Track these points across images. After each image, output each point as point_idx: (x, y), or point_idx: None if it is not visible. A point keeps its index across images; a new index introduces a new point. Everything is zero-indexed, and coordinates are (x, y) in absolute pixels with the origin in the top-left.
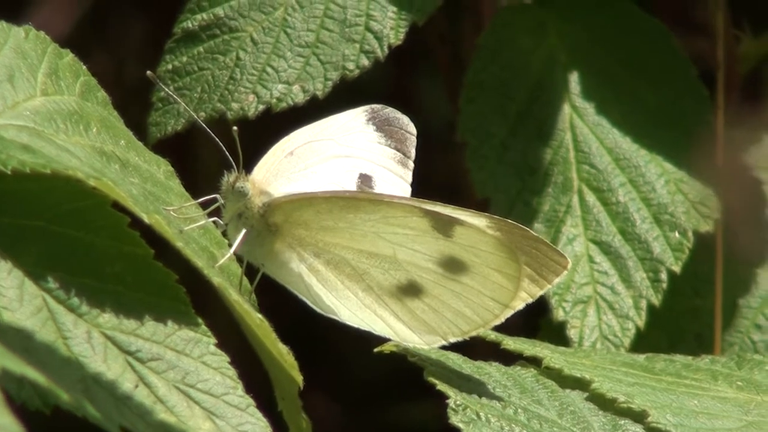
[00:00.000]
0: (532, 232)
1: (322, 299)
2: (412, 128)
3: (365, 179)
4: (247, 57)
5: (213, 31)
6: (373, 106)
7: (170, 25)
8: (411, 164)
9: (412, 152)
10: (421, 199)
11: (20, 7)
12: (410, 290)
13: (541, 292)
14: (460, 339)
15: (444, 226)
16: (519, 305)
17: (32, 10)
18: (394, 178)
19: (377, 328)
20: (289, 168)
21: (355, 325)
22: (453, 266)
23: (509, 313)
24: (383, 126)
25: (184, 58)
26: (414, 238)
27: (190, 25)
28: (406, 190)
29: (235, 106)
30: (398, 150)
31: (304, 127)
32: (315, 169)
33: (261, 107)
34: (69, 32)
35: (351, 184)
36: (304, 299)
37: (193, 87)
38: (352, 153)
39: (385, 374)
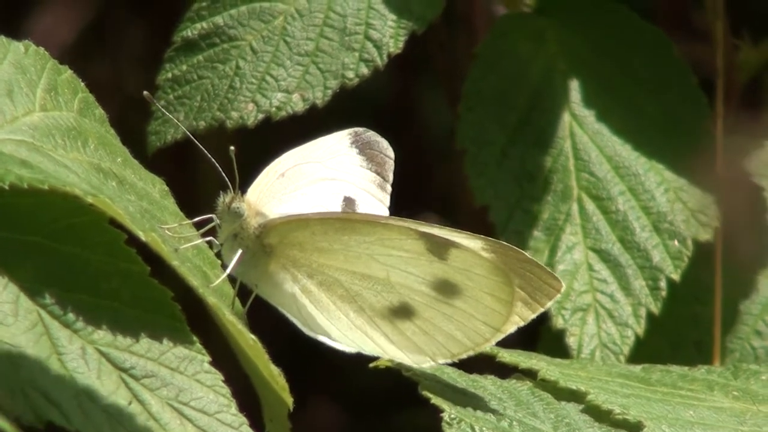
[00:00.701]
0: (526, 254)
1: (313, 319)
2: (391, 152)
3: (349, 202)
4: (246, 66)
5: (212, 40)
6: (356, 129)
7: (172, 34)
8: (389, 188)
9: (390, 176)
10: (417, 221)
11: (22, 17)
12: (402, 312)
13: (533, 316)
14: (449, 361)
15: (439, 249)
16: (510, 329)
17: (35, 19)
18: (374, 201)
19: (367, 348)
20: (280, 189)
21: (344, 346)
22: (446, 289)
23: (500, 336)
24: (365, 149)
25: (184, 67)
26: (408, 260)
27: (189, 34)
28: (384, 214)
29: (234, 114)
30: (378, 174)
31: (293, 149)
32: (304, 191)
33: (260, 116)
34: (71, 42)
35: (336, 207)
36: (295, 320)
37: (192, 96)
38: (337, 176)
39: (388, 383)
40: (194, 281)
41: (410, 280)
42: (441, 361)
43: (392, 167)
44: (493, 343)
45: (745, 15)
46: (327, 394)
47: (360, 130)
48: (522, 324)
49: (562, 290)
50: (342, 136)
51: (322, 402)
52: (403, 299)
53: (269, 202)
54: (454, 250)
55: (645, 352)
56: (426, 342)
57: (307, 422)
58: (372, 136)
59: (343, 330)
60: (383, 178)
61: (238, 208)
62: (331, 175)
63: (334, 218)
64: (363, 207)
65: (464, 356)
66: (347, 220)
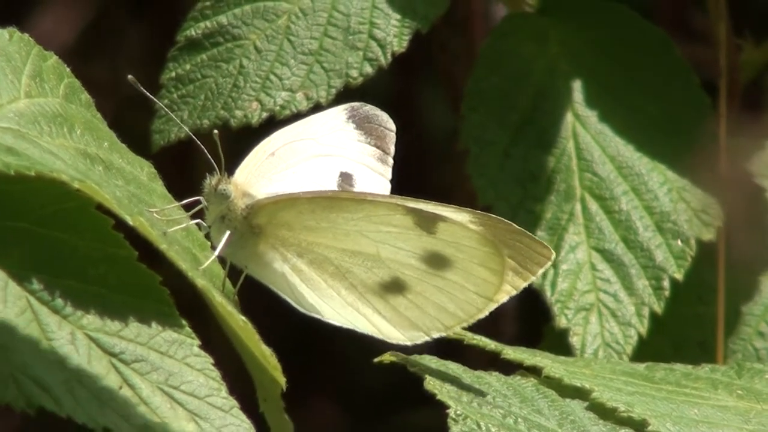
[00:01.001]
0: (514, 225)
1: (305, 298)
2: (391, 124)
3: (346, 177)
4: (250, 65)
5: (216, 39)
6: (353, 104)
7: (174, 34)
8: (390, 161)
9: (392, 149)
10: (403, 197)
11: (23, 17)
12: (393, 287)
13: (525, 284)
14: (443, 334)
15: (427, 223)
16: (503, 298)
17: (35, 19)
18: (374, 175)
19: (360, 325)
20: (270, 169)
21: (338, 324)
22: (437, 262)
23: (493, 306)
24: (363, 123)
25: (188, 66)
26: (397, 235)
27: (193, 33)
28: (386, 187)
29: (238, 113)
30: (378, 147)
31: (284, 128)
32: (296, 170)
33: (264, 115)
34: (71, 42)
35: (332, 183)
36: (287, 299)
37: (196, 95)
38: (333, 152)
39: (390, 382)
40: (183, 264)
41: (400, 254)
42: (435, 335)
43: (393, 140)
44: (486, 313)
45: (748, 15)
46: (327, 393)
47: (357, 104)
48: (514, 293)
49: (552, 257)
50: (337, 111)
51: (322, 402)
52: (394, 274)
53: (258, 183)
54: (441, 223)
55: (648, 351)
56: (419, 316)
57: (307, 422)
58: (370, 109)
59: (335, 308)
60: (384, 151)
61: (224, 189)
62: (326, 151)
63: (320, 197)
64: (362, 182)
65: (458, 328)
66: (334, 198)
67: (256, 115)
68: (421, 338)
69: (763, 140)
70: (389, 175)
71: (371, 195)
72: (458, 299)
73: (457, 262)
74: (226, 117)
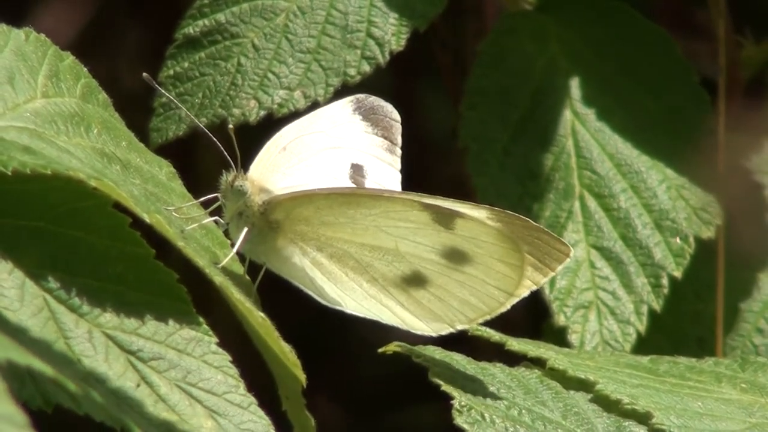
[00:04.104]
0: (532, 222)
1: (326, 291)
2: (396, 115)
3: (357, 169)
4: (248, 63)
5: (214, 37)
6: (358, 96)
7: (172, 32)
8: (398, 151)
9: (399, 139)
10: (420, 194)
11: (23, 13)
12: (415, 281)
13: (545, 280)
14: (467, 326)
15: (445, 219)
16: (524, 293)
17: (35, 17)
18: (384, 165)
19: (384, 317)
20: (283, 163)
21: (362, 315)
22: (456, 257)
23: (514, 300)
24: (369, 115)
25: (186, 64)
26: (415, 230)
27: (191, 31)
28: (396, 177)
29: (236, 111)
30: (385, 138)
31: (293, 122)
32: (308, 163)
33: (262, 113)
34: (72, 38)
35: (344, 175)
36: (309, 292)
37: (194, 92)
38: (342, 144)
39: (390, 375)
40: (200, 261)
41: (419, 249)
42: (459, 327)
43: (399, 130)
44: (509, 306)
45: (748, 12)
46: (328, 388)
47: (362, 96)
48: (534, 288)
49: (571, 254)
50: (344, 104)
51: (322, 399)
52: (414, 268)
53: (272, 177)
54: (459, 219)
55: (647, 349)
56: (442, 309)
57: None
58: (375, 101)
59: (358, 300)
60: (391, 141)
61: (241, 186)
62: (335, 143)
63: (337, 193)
64: (372, 172)
65: (481, 321)
66: (351, 194)
67: (254, 113)
68: (446, 330)
69: (763, 137)
70: (398, 166)
71: (388, 191)
72: (479, 293)
73: (476, 258)
74: (224, 115)
